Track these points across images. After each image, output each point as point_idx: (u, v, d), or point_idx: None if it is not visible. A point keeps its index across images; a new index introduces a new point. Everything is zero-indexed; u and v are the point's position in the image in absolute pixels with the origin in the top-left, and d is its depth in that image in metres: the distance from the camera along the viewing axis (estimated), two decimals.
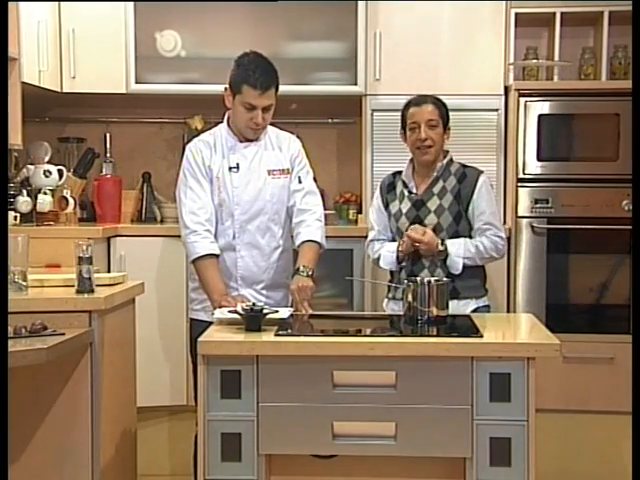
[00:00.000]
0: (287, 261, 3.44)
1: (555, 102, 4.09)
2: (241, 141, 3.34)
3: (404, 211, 3.36)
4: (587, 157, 4.11)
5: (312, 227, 3.33)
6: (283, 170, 3.38)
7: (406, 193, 3.38)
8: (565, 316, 4.10)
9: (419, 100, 3.36)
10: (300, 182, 3.39)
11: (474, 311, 3.26)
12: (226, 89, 3.29)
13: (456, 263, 3.26)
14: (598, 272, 4.10)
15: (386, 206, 3.44)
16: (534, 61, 4.34)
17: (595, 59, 4.30)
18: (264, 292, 3.35)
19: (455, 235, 3.31)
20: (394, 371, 2.58)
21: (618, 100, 3.97)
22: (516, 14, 4.15)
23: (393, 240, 3.42)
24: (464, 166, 3.40)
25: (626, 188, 3.85)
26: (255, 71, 3.20)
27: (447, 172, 3.35)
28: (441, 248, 3.25)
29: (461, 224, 3.32)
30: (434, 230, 3.29)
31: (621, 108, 3.97)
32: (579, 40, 4.39)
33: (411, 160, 3.42)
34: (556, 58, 4.20)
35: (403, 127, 3.39)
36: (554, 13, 4.18)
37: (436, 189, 3.34)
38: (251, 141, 3.34)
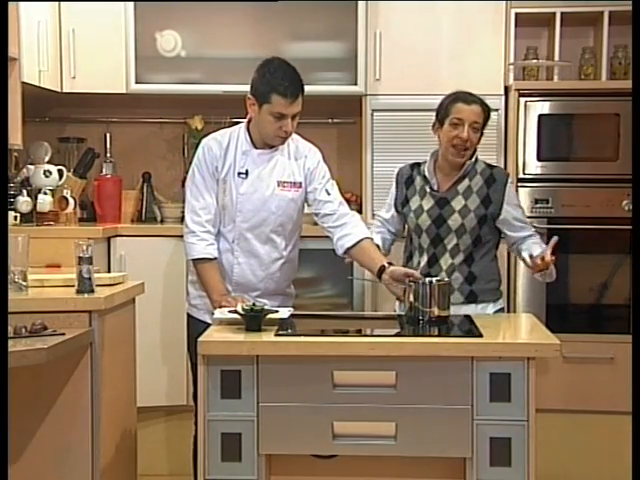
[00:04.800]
0: (289, 271, 3.36)
1: (555, 102, 4.09)
2: (256, 147, 3.24)
3: (426, 208, 3.25)
4: (587, 157, 4.11)
5: (360, 226, 3.24)
6: (295, 183, 3.27)
7: (428, 189, 3.27)
8: (565, 316, 4.10)
9: (468, 98, 3.19)
10: (329, 194, 3.27)
11: None
12: (249, 98, 3.17)
13: (554, 272, 3.15)
14: (598, 272, 4.10)
15: (405, 202, 3.31)
16: (534, 61, 4.34)
17: (595, 59, 4.30)
18: (259, 300, 3.18)
19: (477, 239, 3.23)
20: (394, 371, 2.58)
21: (618, 100, 3.97)
22: (516, 14, 4.15)
23: (393, 233, 3.40)
24: (490, 166, 3.31)
25: (626, 188, 3.85)
26: (284, 79, 3.10)
27: (473, 171, 3.24)
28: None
29: (484, 228, 3.23)
30: (457, 232, 3.21)
31: (621, 108, 3.97)
32: (579, 40, 4.39)
33: (432, 155, 3.30)
34: (556, 58, 4.20)
35: (440, 119, 3.22)
36: (554, 13, 4.17)
37: (461, 188, 3.23)
38: (271, 147, 3.24)
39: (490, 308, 3.27)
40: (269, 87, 3.11)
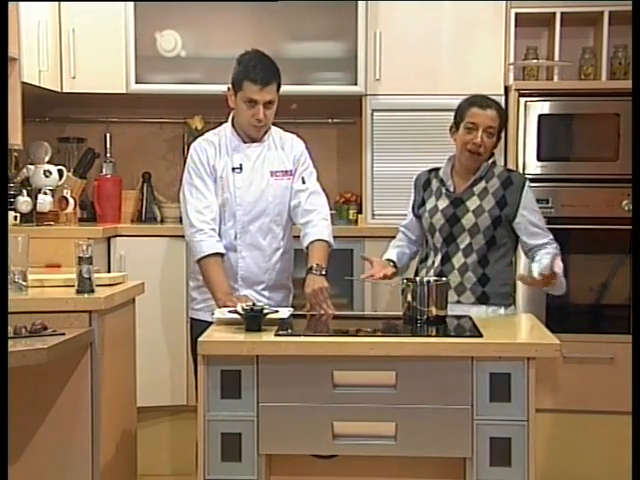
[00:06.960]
0: (288, 262, 3.44)
1: (555, 102, 4.09)
2: (245, 142, 3.34)
3: (440, 208, 3.26)
4: (587, 157, 4.11)
5: (319, 226, 3.32)
6: (286, 172, 3.37)
7: (444, 190, 3.28)
8: (565, 316, 4.10)
9: (483, 102, 3.22)
10: (304, 182, 3.38)
11: None
12: (229, 89, 3.30)
13: (563, 284, 3.13)
14: (598, 272, 4.10)
15: (421, 204, 3.34)
16: (534, 61, 4.34)
17: (595, 59, 4.30)
18: (265, 293, 3.35)
19: (491, 240, 3.23)
20: (394, 371, 2.58)
21: (618, 100, 3.97)
22: (516, 14, 4.15)
23: (414, 241, 3.41)
24: (508, 170, 3.34)
25: (626, 188, 3.85)
26: (255, 67, 3.22)
27: (490, 173, 3.25)
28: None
29: (499, 230, 3.23)
30: (470, 231, 3.21)
31: (621, 108, 3.97)
32: (579, 40, 4.39)
33: (450, 159, 3.32)
34: (556, 58, 4.20)
35: (456, 122, 3.25)
36: (554, 13, 4.17)
37: (477, 189, 3.24)
38: (255, 141, 3.34)
39: (502, 312, 3.25)
40: (242, 75, 3.24)
